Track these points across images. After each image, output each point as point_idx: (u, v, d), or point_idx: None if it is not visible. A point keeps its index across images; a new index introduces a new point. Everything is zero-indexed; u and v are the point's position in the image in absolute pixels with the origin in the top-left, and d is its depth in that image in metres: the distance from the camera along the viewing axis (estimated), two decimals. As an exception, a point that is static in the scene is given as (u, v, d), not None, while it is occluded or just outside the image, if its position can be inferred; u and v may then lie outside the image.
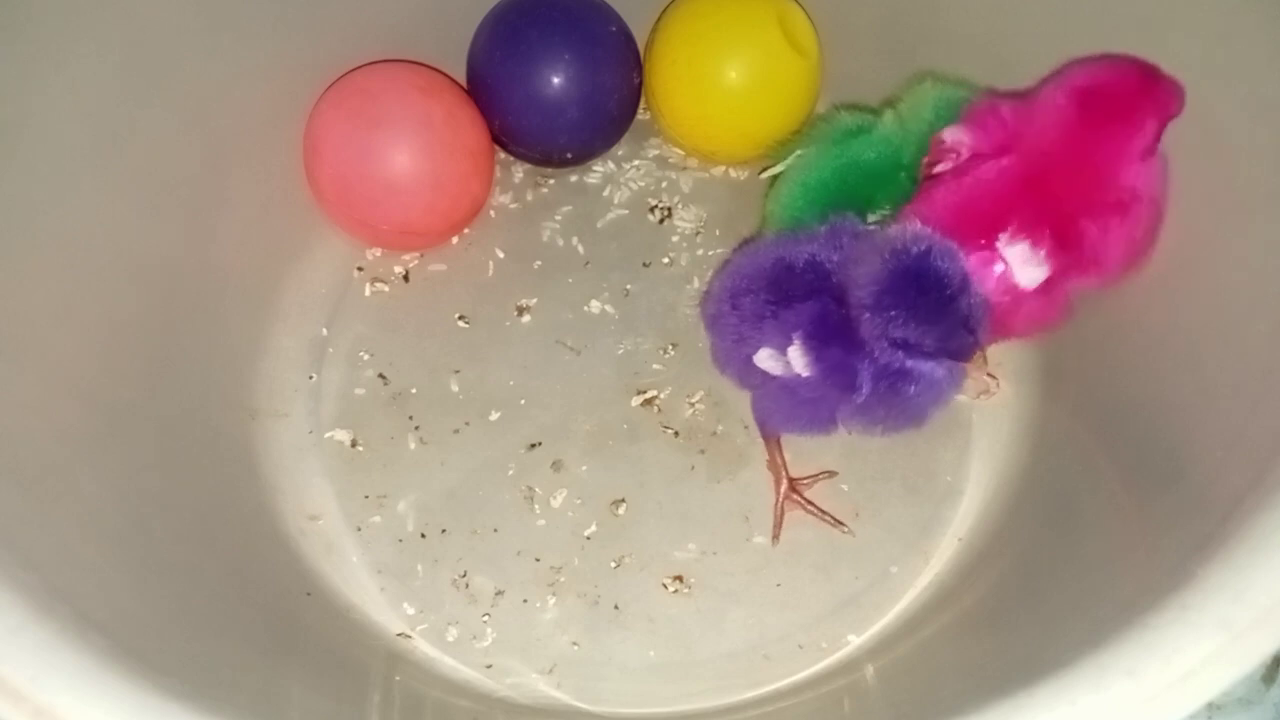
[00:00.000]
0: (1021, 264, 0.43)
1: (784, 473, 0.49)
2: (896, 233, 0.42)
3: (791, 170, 0.51)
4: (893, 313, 0.41)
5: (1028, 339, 0.50)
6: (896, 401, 0.44)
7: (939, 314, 0.40)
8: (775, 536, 0.49)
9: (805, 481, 0.50)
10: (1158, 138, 0.43)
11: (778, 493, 0.50)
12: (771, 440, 0.50)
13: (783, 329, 0.44)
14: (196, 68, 0.48)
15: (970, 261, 0.42)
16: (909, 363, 0.42)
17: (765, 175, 0.53)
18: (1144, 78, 0.43)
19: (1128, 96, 0.42)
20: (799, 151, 0.51)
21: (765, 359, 0.45)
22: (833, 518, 0.49)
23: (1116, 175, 0.43)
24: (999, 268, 0.43)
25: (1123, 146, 0.43)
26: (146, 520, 0.41)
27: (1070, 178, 0.43)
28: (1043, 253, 0.43)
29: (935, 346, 0.41)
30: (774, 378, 0.45)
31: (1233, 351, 0.40)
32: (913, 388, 0.43)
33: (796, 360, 0.44)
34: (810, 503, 0.50)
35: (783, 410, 0.47)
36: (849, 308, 0.43)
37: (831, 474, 0.51)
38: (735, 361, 0.47)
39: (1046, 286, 0.44)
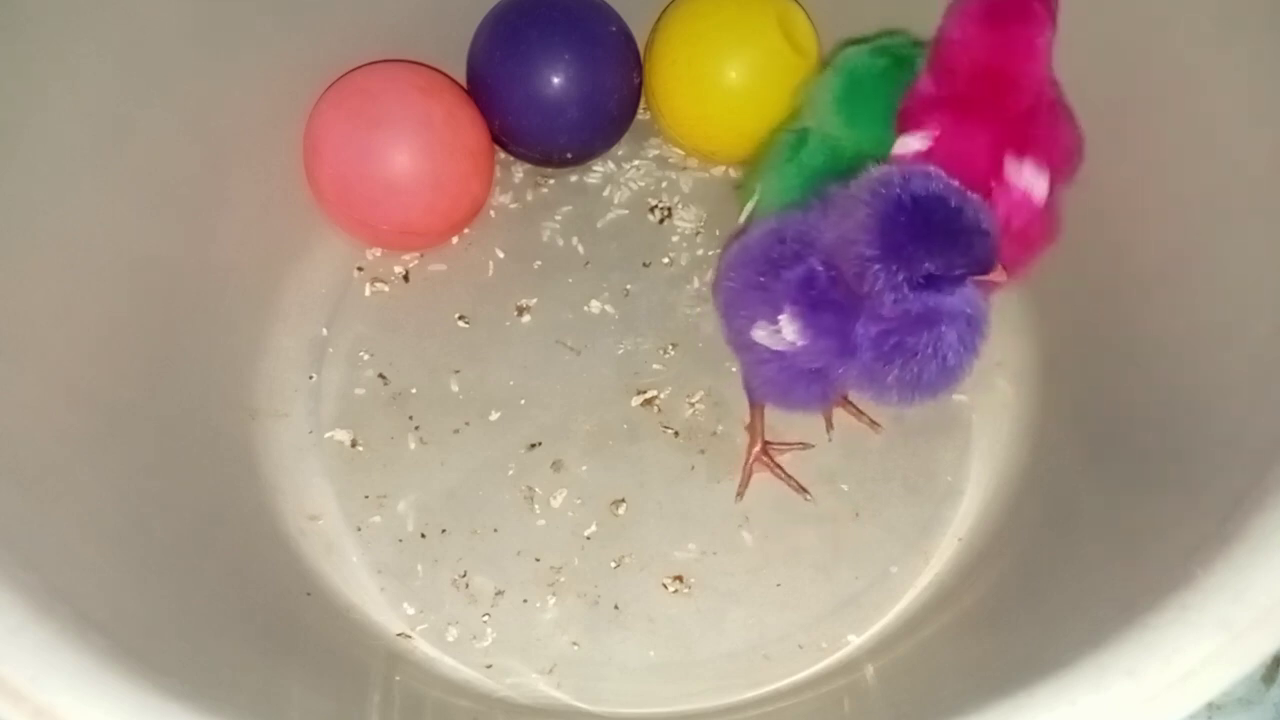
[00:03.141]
0: (1033, 178, 0.45)
1: (760, 436, 0.50)
2: (865, 178, 0.41)
3: (765, 201, 0.51)
4: (909, 249, 0.39)
5: (1041, 257, 0.50)
6: (911, 360, 0.42)
7: (954, 229, 0.39)
8: (740, 494, 0.50)
9: (779, 447, 0.51)
10: (1053, 18, 0.45)
11: (749, 453, 0.50)
12: (758, 406, 0.50)
13: (772, 299, 0.43)
14: (196, 68, 0.48)
15: (994, 202, 0.43)
16: (933, 302, 0.41)
17: (743, 222, 0.52)
18: None
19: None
20: (757, 186, 0.51)
21: (760, 333, 0.44)
22: (796, 483, 0.50)
23: (1039, 72, 0.45)
24: (1017, 193, 0.45)
25: (1033, 43, 0.44)
26: (146, 520, 0.41)
27: (1011, 94, 0.45)
28: (1040, 162, 0.45)
29: (965, 263, 0.40)
30: (773, 353, 0.45)
31: (1233, 351, 0.40)
32: (925, 335, 0.41)
33: (788, 329, 0.43)
34: (779, 467, 0.50)
35: (780, 386, 0.46)
36: (841, 269, 0.41)
37: (807, 445, 0.51)
38: (734, 336, 0.47)
39: (1050, 196, 0.46)
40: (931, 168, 0.40)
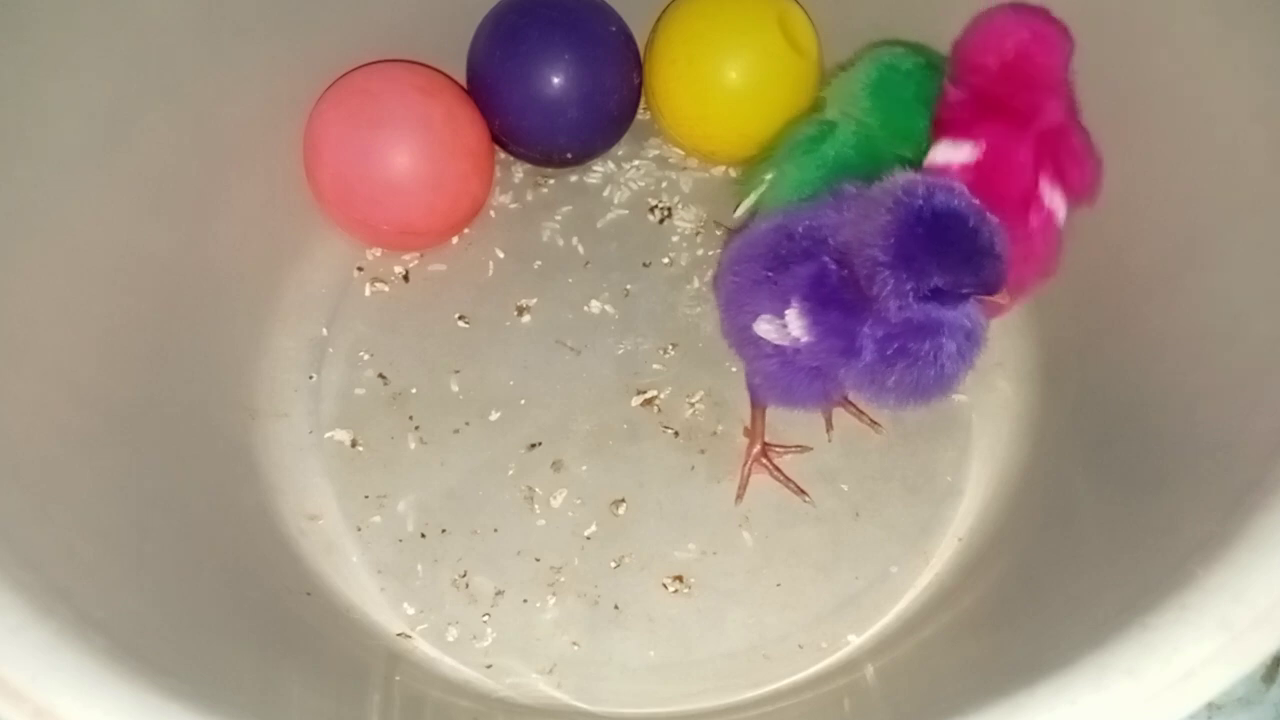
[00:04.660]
0: (1059, 202, 0.46)
1: (759, 437, 0.50)
2: (890, 184, 0.41)
3: (776, 191, 0.51)
4: (920, 261, 0.39)
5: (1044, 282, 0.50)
6: (911, 365, 0.42)
7: (969, 249, 0.39)
8: (739, 496, 0.50)
9: (778, 449, 0.51)
10: (1069, 35, 0.46)
11: (748, 454, 0.50)
12: (760, 408, 0.50)
13: (780, 294, 0.43)
14: (197, 68, 0.49)
15: (1029, 220, 0.45)
16: (935, 314, 0.41)
17: (741, 213, 0.52)
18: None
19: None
20: (768, 176, 0.51)
21: (764, 326, 0.44)
22: (796, 485, 0.50)
23: (1063, 71, 0.46)
24: (1048, 210, 0.46)
25: (1057, 39, 0.46)
26: (146, 520, 0.41)
27: (1041, 94, 0.46)
28: (1067, 189, 0.46)
29: (972, 283, 0.40)
30: (775, 349, 0.45)
31: (1233, 351, 0.40)
32: (927, 344, 0.41)
33: (795, 324, 0.43)
34: (778, 469, 0.50)
35: (781, 383, 0.46)
36: (852, 270, 0.41)
37: (805, 448, 0.51)
38: (735, 331, 0.47)
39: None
40: (956, 183, 0.40)
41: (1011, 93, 0.46)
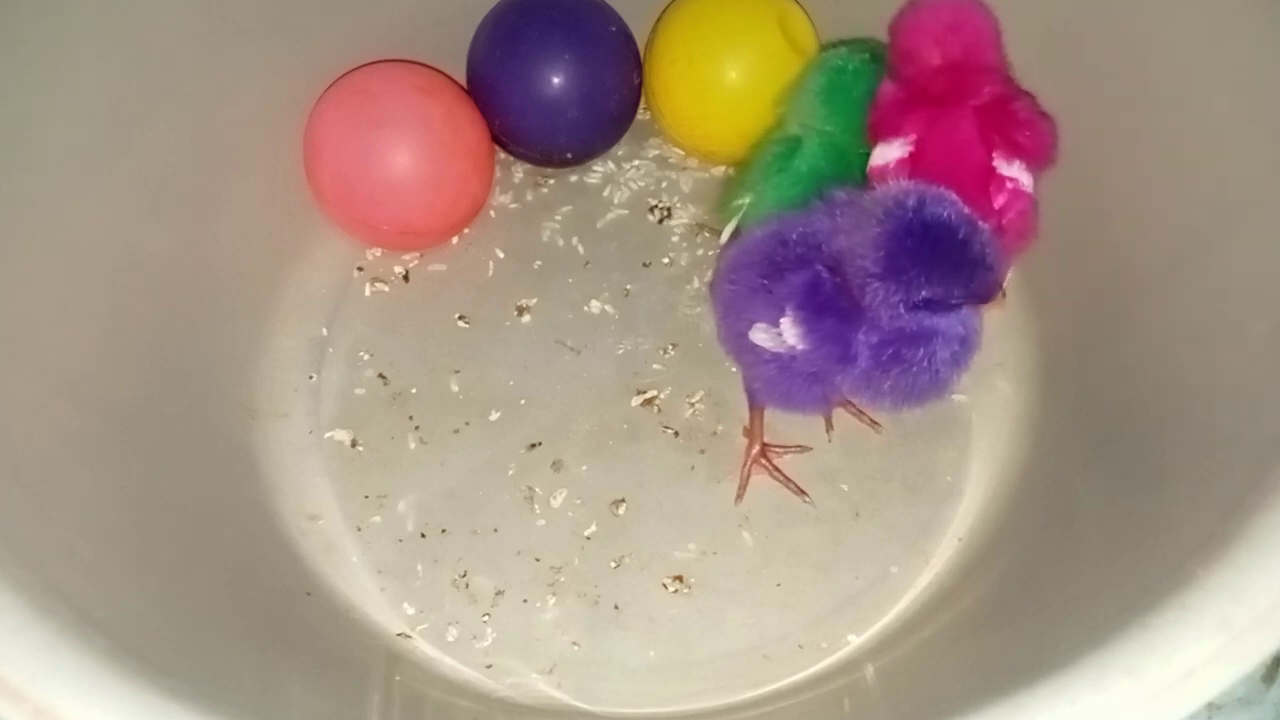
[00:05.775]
0: (1021, 174, 0.46)
1: (758, 437, 0.50)
2: (882, 193, 0.41)
3: (756, 210, 0.50)
4: (910, 273, 0.39)
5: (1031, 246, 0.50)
6: (906, 370, 0.42)
7: (959, 261, 0.39)
8: (739, 496, 0.50)
9: (777, 449, 0.51)
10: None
11: (748, 455, 0.50)
12: (758, 409, 0.50)
13: (775, 302, 0.43)
14: (197, 68, 0.49)
15: (995, 195, 0.45)
16: (928, 322, 0.41)
17: (726, 240, 0.52)
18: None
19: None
20: (746, 199, 0.51)
21: (759, 334, 0.44)
22: (796, 485, 0.50)
23: (992, 49, 0.47)
24: (1010, 185, 0.46)
25: (977, 19, 0.46)
26: (146, 520, 0.41)
27: (972, 73, 0.46)
28: (1026, 156, 0.46)
29: (963, 294, 0.40)
30: (772, 356, 0.45)
31: (1233, 351, 0.40)
32: (921, 350, 0.42)
33: (789, 333, 0.43)
34: (777, 469, 0.50)
35: (779, 388, 0.46)
36: (845, 278, 0.42)
37: (805, 448, 0.51)
38: (732, 338, 0.47)
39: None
40: (949, 194, 0.40)
41: (942, 79, 0.46)
